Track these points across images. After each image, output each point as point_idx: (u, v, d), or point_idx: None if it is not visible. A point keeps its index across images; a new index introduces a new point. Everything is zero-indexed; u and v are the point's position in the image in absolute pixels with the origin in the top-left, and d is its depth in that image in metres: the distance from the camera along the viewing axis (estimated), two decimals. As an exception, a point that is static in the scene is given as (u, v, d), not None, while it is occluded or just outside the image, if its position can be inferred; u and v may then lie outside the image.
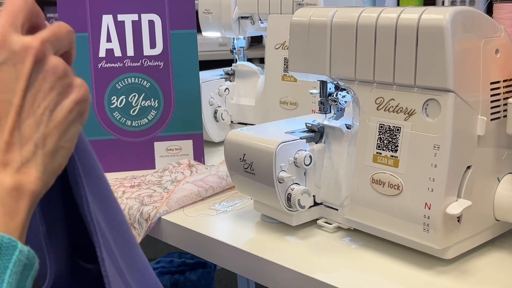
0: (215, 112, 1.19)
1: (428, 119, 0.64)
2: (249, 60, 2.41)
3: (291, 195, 0.74)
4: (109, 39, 1.04)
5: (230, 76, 1.23)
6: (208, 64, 1.63)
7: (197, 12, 1.24)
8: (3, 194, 0.41)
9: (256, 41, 2.50)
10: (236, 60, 1.25)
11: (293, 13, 1.07)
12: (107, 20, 1.04)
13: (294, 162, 0.74)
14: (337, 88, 0.77)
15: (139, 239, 0.86)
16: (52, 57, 0.44)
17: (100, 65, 1.04)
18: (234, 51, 1.24)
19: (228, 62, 1.32)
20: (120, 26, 1.04)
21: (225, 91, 1.21)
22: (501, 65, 0.66)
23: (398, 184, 0.67)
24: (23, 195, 0.42)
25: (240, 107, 1.21)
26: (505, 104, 0.66)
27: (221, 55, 2.38)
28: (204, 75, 1.21)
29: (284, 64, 1.09)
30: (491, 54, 0.65)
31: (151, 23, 1.05)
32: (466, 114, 0.64)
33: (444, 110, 0.63)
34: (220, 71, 1.25)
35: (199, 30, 1.24)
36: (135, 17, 1.04)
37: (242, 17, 1.17)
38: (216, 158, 1.10)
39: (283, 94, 1.10)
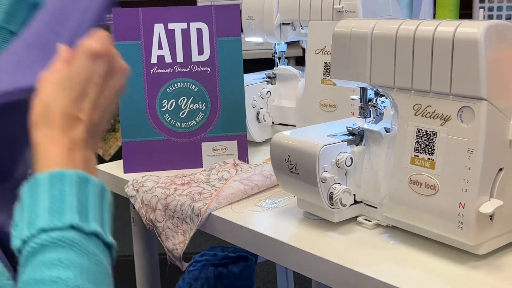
0: (258, 114, 1.25)
1: (462, 125, 0.69)
2: (285, 58, 2.47)
3: (333, 194, 0.79)
4: (160, 47, 1.11)
5: (271, 79, 1.29)
6: (246, 63, 1.70)
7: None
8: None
9: (293, 42, 2.57)
10: (277, 64, 1.31)
11: (333, 19, 1.13)
12: (159, 29, 1.11)
13: (336, 163, 0.80)
14: (377, 94, 0.82)
15: (191, 233, 0.94)
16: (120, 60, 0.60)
17: (152, 70, 1.11)
18: (276, 55, 1.30)
19: (264, 61, 1.37)
20: (170, 34, 1.11)
21: (267, 93, 1.27)
22: (533, 74, 0.70)
23: (434, 184, 0.72)
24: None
25: (281, 109, 1.27)
26: (536, 110, 0.71)
27: (259, 54, 2.45)
28: (247, 78, 1.28)
29: (324, 68, 1.15)
30: (523, 63, 0.69)
31: (199, 31, 1.12)
32: (499, 120, 0.68)
33: (478, 116, 0.67)
34: (262, 74, 1.31)
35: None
36: (184, 25, 1.11)
37: (283, 23, 1.23)
38: (259, 158, 1.17)
39: (323, 97, 1.16)
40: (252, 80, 1.27)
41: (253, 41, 1.31)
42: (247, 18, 1.29)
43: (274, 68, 1.30)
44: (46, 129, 0.54)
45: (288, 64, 1.33)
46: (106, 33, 0.57)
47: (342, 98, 1.11)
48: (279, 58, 1.32)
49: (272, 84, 1.30)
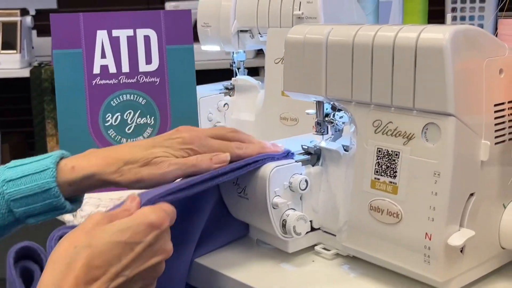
0: (214, 128, 1.16)
1: (428, 144, 0.61)
2: (255, 69, 2.38)
3: (286, 222, 0.70)
4: (103, 55, 1.01)
5: (229, 90, 1.20)
6: (208, 73, 1.61)
7: (196, 25, 1.22)
8: None
9: (262, 51, 2.48)
10: (236, 74, 1.22)
11: (292, 26, 1.04)
12: (102, 36, 1.01)
13: (289, 186, 0.71)
14: (334, 108, 0.74)
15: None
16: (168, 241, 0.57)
17: (94, 81, 1.01)
18: (234, 65, 1.21)
19: (228, 72, 1.29)
20: (115, 42, 1.01)
21: (224, 106, 1.18)
22: (506, 86, 0.62)
23: (397, 212, 0.63)
24: None
25: (240, 122, 1.18)
26: (511, 127, 0.63)
27: (222, 64, 2.36)
28: (202, 89, 1.18)
29: (284, 79, 1.06)
30: (495, 74, 0.61)
31: (147, 39, 1.02)
32: (468, 138, 0.60)
33: (445, 134, 0.59)
34: (219, 85, 1.22)
35: (198, 42, 1.22)
36: (130, 32, 1.02)
37: (241, 31, 1.15)
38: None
39: (283, 110, 1.07)
40: (208, 92, 1.18)
41: (209, 49, 1.22)
42: (203, 25, 1.19)
43: (232, 78, 1.21)
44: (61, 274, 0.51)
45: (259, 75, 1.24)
46: (169, 210, 0.57)
47: (303, 111, 1.02)
48: (238, 68, 1.23)
49: (230, 96, 1.21)
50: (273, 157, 0.71)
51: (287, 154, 0.72)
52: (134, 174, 0.66)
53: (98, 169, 0.67)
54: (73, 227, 0.57)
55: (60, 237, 0.57)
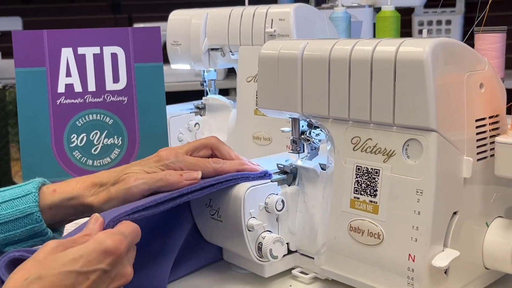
0: (185, 149, 1.12)
1: (409, 161, 0.58)
2: (225, 90, 2.35)
3: (262, 244, 0.67)
4: (68, 74, 0.97)
5: (200, 110, 1.17)
6: (179, 95, 1.57)
7: (165, 43, 1.19)
8: None
9: (233, 71, 2.46)
10: (207, 93, 1.19)
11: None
12: (67, 54, 0.97)
13: (265, 207, 0.68)
14: (310, 125, 0.71)
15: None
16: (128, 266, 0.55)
17: (59, 101, 0.97)
18: (205, 83, 1.18)
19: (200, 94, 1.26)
20: (80, 60, 0.97)
21: (195, 126, 1.14)
22: (486, 100, 0.61)
23: (378, 232, 0.60)
24: None
25: (212, 142, 1.15)
26: (492, 143, 0.61)
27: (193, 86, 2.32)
28: (172, 109, 1.15)
29: (257, 98, 1.03)
30: (475, 88, 0.60)
31: (114, 56, 0.98)
32: (451, 155, 0.58)
33: (427, 151, 0.57)
34: (190, 104, 1.19)
35: (168, 62, 1.19)
36: (96, 50, 0.98)
37: (212, 49, 1.12)
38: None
39: (256, 129, 1.04)
40: (179, 111, 1.14)
41: (179, 68, 1.18)
42: (173, 44, 1.16)
43: (203, 97, 1.18)
44: None
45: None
46: (129, 230, 0.55)
47: (277, 130, 1.00)
48: (209, 88, 1.20)
49: (201, 115, 1.17)
50: (248, 177, 0.68)
51: (264, 175, 0.69)
52: (105, 194, 0.66)
53: (78, 192, 0.66)
54: (27, 251, 0.53)
55: (10, 262, 0.52)
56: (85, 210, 0.66)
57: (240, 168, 0.68)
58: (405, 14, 2.40)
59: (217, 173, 0.67)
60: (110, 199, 0.64)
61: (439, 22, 2.47)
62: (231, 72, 2.41)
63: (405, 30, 2.40)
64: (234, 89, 2.57)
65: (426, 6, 2.29)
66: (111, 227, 0.57)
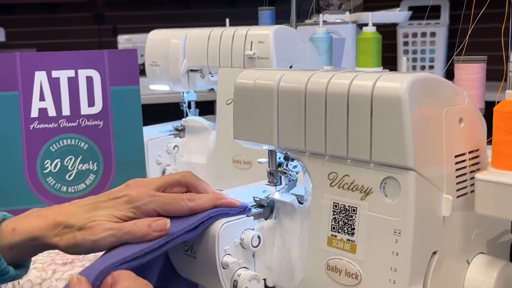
0: (163, 172, 1.10)
1: (387, 200, 0.57)
2: (210, 104, 2.32)
3: (237, 282, 0.64)
4: (42, 98, 0.95)
5: (179, 132, 1.15)
6: (157, 109, 1.54)
7: (144, 64, 1.16)
8: None
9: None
10: (187, 114, 1.17)
11: (244, 67, 1.00)
12: (40, 77, 0.95)
13: (241, 243, 0.65)
14: (287, 158, 0.69)
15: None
16: None
17: (32, 126, 0.94)
18: (184, 105, 1.16)
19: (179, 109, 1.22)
20: (54, 84, 0.95)
21: (174, 148, 1.12)
22: (466, 135, 0.59)
23: (356, 272, 0.58)
24: None
25: (191, 165, 1.13)
26: (472, 178, 0.59)
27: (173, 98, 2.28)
28: (150, 131, 1.13)
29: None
30: (455, 124, 0.58)
31: (89, 80, 0.96)
32: (430, 193, 0.56)
33: (405, 190, 0.55)
34: (169, 126, 1.17)
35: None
36: (71, 73, 0.95)
37: (191, 70, 1.10)
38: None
39: (236, 152, 1.02)
40: (157, 134, 1.12)
41: (158, 89, 1.16)
42: (151, 64, 1.14)
43: (183, 119, 1.15)
44: None
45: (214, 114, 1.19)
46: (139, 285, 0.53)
47: (257, 154, 0.97)
48: (189, 108, 1.17)
49: (180, 137, 1.15)
50: (227, 213, 0.65)
51: (244, 209, 0.67)
52: (71, 237, 0.61)
53: (39, 231, 0.61)
54: None
55: None
56: (50, 248, 0.63)
57: (217, 204, 0.65)
58: (390, 26, 2.40)
59: (193, 212, 0.64)
60: (76, 245, 0.60)
61: (423, 34, 2.47)
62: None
63: (390, 41, 2.40)
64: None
65: (411, 18, 2.29)
66: (100, 281, 0.54)
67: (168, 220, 0.61)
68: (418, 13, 2.17)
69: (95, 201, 0.63)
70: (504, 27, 0.62)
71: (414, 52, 2.49)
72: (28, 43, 2.83)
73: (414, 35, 2.49)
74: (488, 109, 0.63)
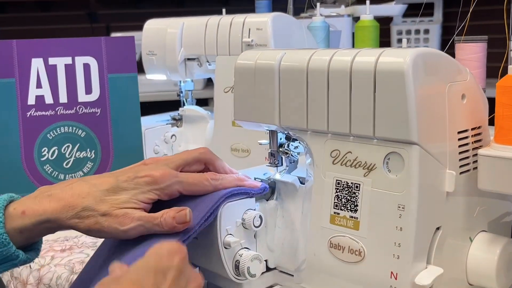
0: (161, 161, 1.09)
1: (390, 175, 0.56)
2: (205, 100, 2.32)
3: (239, 262, 0.64)
4: (39, 85, 0.94)
5: (177, 121, 1.14)
6: (155, 105, 1.54)
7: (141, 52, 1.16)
8: None
9: (212, 81, 2.43)
10: (184, 104, 1.16)
11: (242, 54, 1.00)
12: (37, 64, 0.94)
13: (242, 223, 0.65)
14: (288, 138, 0.69)
15: (67, 314, 0.75)
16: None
17: (29, 113, 0.93)
18: (181, 94, 1.16)
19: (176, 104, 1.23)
20: (51, 71, 0.94)
21: (171, 137, 1.12)
22: (469, 112, 0.59)
23: (359, 249, 0.58)
24: None
25: (189, 154, 1.12)
26: (475, 155, 0.59)
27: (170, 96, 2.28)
28: (148, 120, 1.12)
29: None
30: (457, 100, 0.58)
31: (86, 67, 0.95)
32: (433, 168, 0.56)
33: (408, 165, 0.55)
34: (166, 116, 1.16)
35: (143, 72, 1.16)
36: (68, 60, 0.95)
37: (188, 59, 1.09)
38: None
39: (234, 141, 1.02)
40: (154, 123, 1.12)
41: (155, 78, 1.16)
42: (148, 53, 1.14)
43: (180, 108, 1.15)
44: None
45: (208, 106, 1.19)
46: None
47: (255, 142, 0.97)
48: (186, 98, 1.17)
49: (178, 126, 1.15)
50: (249, 192, 0.65)
51: (263, 190, 0.66)
52: (94, 222, 0.59)
53: (52, 214, 0.59)
54: None
55: None
56: (65, 229, 0.60)
57: (239, 184, 0.65)
58: (384, 23, 2.40)
59: (217, 189, 0.63)
60: (101, 231, 0.58)
61: (417, 31, 2.48)
62: (210, 82, 2.39)
63: (383, 39, 2.40)
64: (213, 99, 2.54)
65: (405, 15, 2.29)
66: None
67: (188, 211, 0.59)
68: (411, 10, 2.18)
69: (114, 181, 0.60)
70: (505, 8, 0.62)
71: (408, 41, 2.50)
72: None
73: (408, 32, 2.50)
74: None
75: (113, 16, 3.00)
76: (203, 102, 2.26)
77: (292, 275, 0.67)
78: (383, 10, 1.54)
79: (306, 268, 0.64)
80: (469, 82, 0.59)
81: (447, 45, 0.70)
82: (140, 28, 1.19)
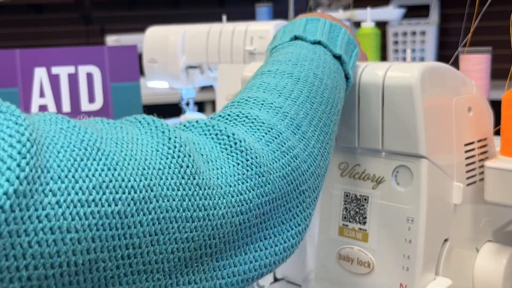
0: (163, 169, 1.09)
1: (399, 188, 0.57)
2: (201, 104, 2.32)
3: (247, 274, 0.65)
4: (42, 94, 0.94)
5: (178, 128, 1.15)
6: (156, 109, 1.54)
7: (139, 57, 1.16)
8: None
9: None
10: (185, 111, 1.17)
11: (244, 62, 1.01)
12: (40, 74, 0.94)
13: (250, 235, 0.66)
14: (295, 149, 0.69)
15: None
16: None
17: (32, 123, 0.93)
18: (183, 101, 1.16)
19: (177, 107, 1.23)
20: (54, 80, 0.94)
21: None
22: (475, 124, 0.60)
23: (368, 261, 0.59)
24: None
25: (191, 162, 1.12)
26: (481, 167, 0.60)
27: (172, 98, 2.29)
28: (150, 128, 1.12)
29: (237, 116, 1.02)
30: (464, 112, 0.59)
31: (89, 76, 0.96)
32: (441, 181, 0.57)
33: (417, 178, 0.55)
34: (169, 123, 1.16)
35: (142, 76, 1.16)
36: (71, 69, 0.95)
37: (190, 67, 1.10)
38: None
39: (236, 148, 1.02)
40: (156, 130, 1.11)
41: (156, 86, 1.16)
42: (149, 61, 1.14)
43: (181, 116, 1.15)
44: None
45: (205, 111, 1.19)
46: None
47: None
48: (187, 104, 1.17)
49: (179, 134, 1.15)
50: None
51: None
52: None
53: None
54: None
55: None
56: None
57: None
58: (380, 25, 2.42)
59: None
60: None
61: (413, 33, 2.49)
62: (206, 86, 2.39)
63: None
64: (211, 102, 2.54)
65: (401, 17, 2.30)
66: None
67: None
68: (408, 12, 2.19)
69: None
70: None
71: (404, 51, 2.51)
72: (15, 44, 2.81)
73: (404, 34, 2.51)
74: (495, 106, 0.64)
75: (108, 18, 2.99)
76: (199, 106, 2.26)
77: (300, 286, 0.68)
78: (382, 14, 1.55)
79: (315, 279, 0.65)
80: (474, 95, 0.60)
81: (443, 48, 0.70)
82: (134, 30, 1.19)
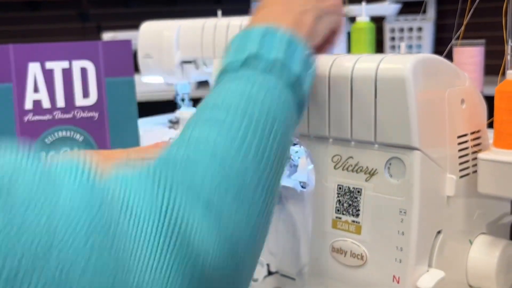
0: (159, 164, 1.09)
1: (392, 180, 0.57)
2: (199, 100, 2.32)
3: (241, 267, 0.65)
4: (36, 89, 0.94)
5: (174, 124, 1.15)
6: (151, 105, 1.54)
7: (135, 53, 1.16)
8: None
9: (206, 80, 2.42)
10: (181, 106, 1.17)
11: (239, 57, 1.01)
12: (34, 69, 0.94)
13: (244, 228, 0.65)
14: (289, 143, 0.69)
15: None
16: None
17: (26, 118, 0.93)
18: (178, 96, 1.16)
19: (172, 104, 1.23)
20: (48, 75, 0.94)
21: (169, 140, 1.12)
22: (468, 117, 0.60)
23: (361, 253, 0.59)
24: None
25: (186, 157, 1.12)
26: (474, 159, 0.60)
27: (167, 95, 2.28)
28: (145, 123, 1.12)
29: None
30: (457, 105, 0.59)
31: (84, 71, 0.95)
32: (434, 173, 0.57)
33: (410, 170, 0.55)
34: (163, 118, 1.17)
35: (137, 72, 1.16)
36: (65, 64, 0.95)
37: (185, 62, 1.10)
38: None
39: (232, 143, 1.02)
40: (151, 126, 1.12)
41: (151, 81, 1.16)
42: (144, 56, 1.14)
43: (177, 111, 1.15)
44: None
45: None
46: None
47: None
48: (183, 100, 1.17)
49: (175, 129, 1.15)
50: None
51: None
52: None
53: None
54: None
55: None
56: None
57: None
58: (376, 21, 2.42)
59: None
60: None
61: (410, 29, 2.49)
62: (202, 82, 2.38)
63: (376, 37, 2.42)
64: (207, 98, 2.53)
65: (397, 13, 2.30)
66: None
67: None
68: (404, 8, 2.19)
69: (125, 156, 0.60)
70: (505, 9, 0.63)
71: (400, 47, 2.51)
72: (11, 41, 2.80)
73: (401, 30, 2.51)
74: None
75: (105, 15, 2.99)
76: (197, 102, 2.26)
77: (294, 279, 0.68)
78: (378, 10, 1.55)
79: (308, 272, 0.65)
80: (468, 87, 0.60)
81: (440, 44, 0.70)
82: (131, 27, 1.19)
